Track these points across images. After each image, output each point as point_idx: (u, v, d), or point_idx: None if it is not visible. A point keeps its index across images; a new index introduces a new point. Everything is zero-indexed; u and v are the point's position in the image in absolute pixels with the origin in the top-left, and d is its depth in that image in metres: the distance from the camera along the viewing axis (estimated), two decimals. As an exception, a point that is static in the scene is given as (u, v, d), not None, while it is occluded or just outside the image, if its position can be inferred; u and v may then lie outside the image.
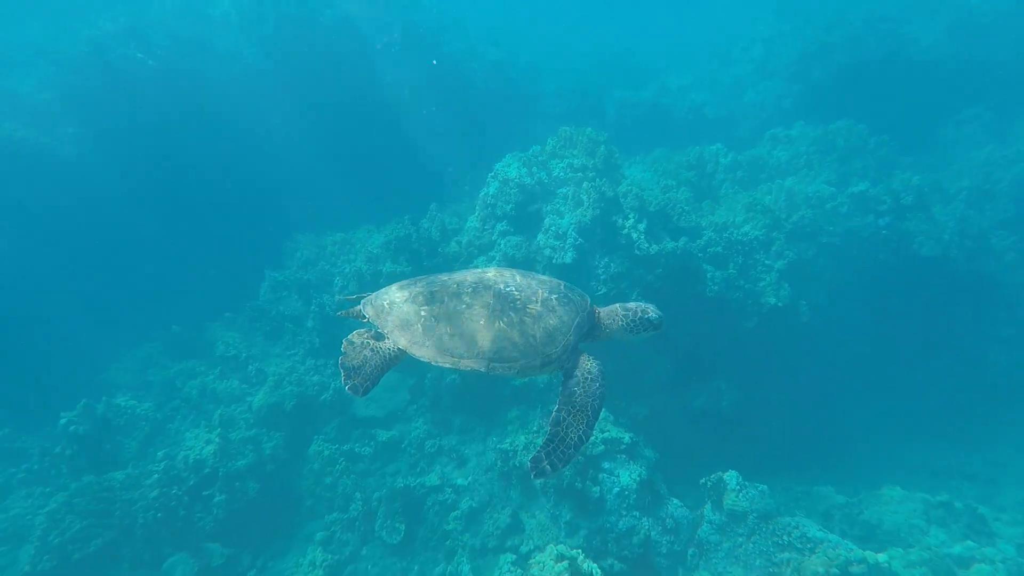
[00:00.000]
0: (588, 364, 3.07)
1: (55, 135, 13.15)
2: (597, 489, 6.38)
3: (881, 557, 5.04)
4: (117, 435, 9.82)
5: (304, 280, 11.81)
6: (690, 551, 6.36)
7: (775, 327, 8.51)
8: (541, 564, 4.78)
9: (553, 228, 7.81)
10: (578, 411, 2.93)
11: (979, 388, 11.12)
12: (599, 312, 3.28)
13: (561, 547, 4.99)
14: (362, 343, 3.20)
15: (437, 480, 7.84)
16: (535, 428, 7.47)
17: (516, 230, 8.43)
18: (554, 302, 3.06)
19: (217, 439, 7.87)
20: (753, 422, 8.42)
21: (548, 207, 8.22)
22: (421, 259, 9.70)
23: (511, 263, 8.06)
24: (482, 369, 2.97)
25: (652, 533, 6.35)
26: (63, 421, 9.32)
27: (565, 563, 4.68)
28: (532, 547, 6.60)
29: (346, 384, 3.03)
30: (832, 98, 16.15)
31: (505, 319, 2.97)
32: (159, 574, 7.24)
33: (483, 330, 2.96)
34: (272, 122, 16.02)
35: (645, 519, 6.39)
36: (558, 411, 2.94)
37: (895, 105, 16.42)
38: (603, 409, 7.05)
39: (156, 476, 7.52)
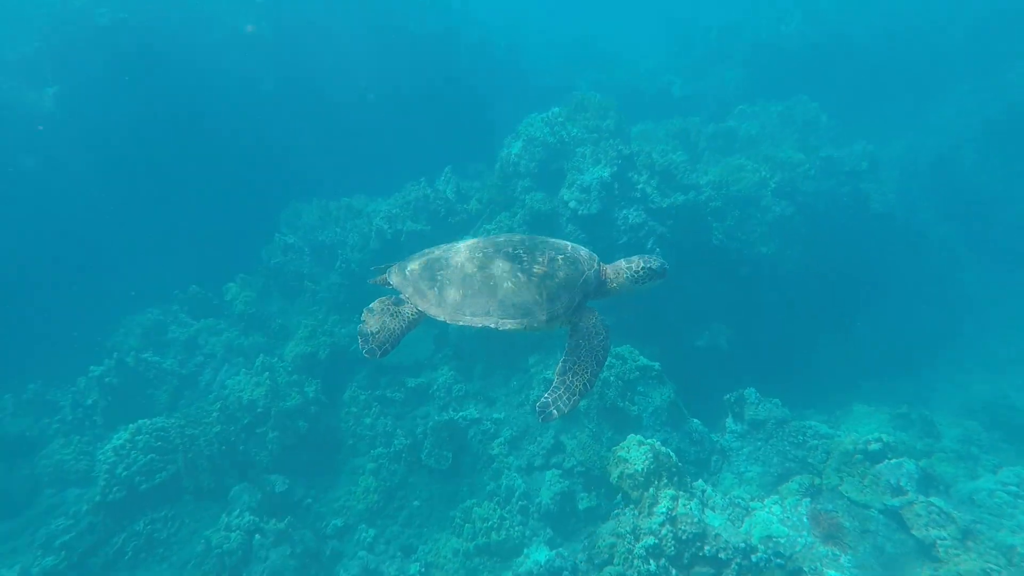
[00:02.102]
0: (593, 320, 3.15)
1: (38, 92, 12.31)
2: (635, 408, 6.80)
3: (885, 438, 5.70)
4: (148, 388, 9.63)
5: (318, 241, 11.65)
6: (713, 458, 6.91)
7: (763, 274, 9.12)
8: (627, 448, 5.15)
9: (577, 183, 8.07)
10: (582, 362, 3.01)
11: (913, 329, 12.23)
12: (605, 269, 3.34)
13: (639, 436, 5.37)
14: (382, 309, 3.33)
15: (477, 414, 8.09)
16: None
17: (538, 186, 8.63)
18: (560, 262, 3.13)
19: (267, 381, 7.85)
20: (745, 358, 9.04)
21: (569, 164, 8.45)
22: (440, 218, 9.79)
23: (536, 217, 8.29)
24: (492, 326, 3.06)
25: (681, 444, 6.83)
26: (97, 372, 9.09)
27: (647, 447, 5.08)
28: (575, 463, 6.99)
29: (363, 348, 3.17)
30: (782, 79, 16.89)
31: (512, 280, 3.06)
32: (225, 501, 7.29)
33: (492, 291, 3.06)
34: (264, 89, 15.41)
35: (675, 432, 6.87)
36: (564, 362, 3.05)
37: (834, 87, 17.31)
38: (630, 344, 7.48)
39: (215, 415, 7.49)
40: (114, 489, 6.99)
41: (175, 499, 7.52)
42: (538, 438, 7.56)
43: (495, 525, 6.70)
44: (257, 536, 6.95)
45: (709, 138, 12.02)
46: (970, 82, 16.42)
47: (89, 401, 9.10)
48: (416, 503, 7.75)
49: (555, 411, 2.89)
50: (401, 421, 8.74)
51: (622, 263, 3.33)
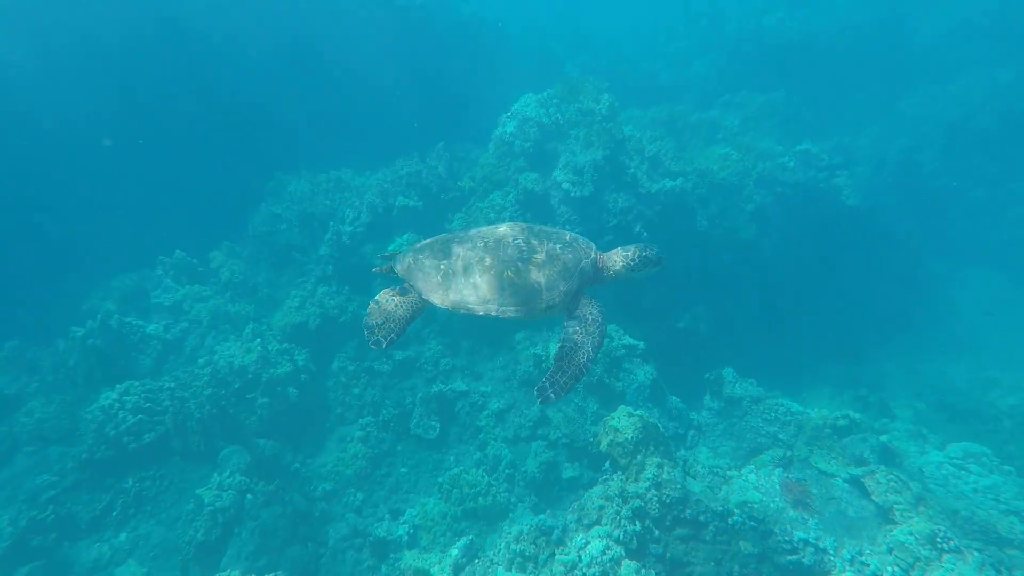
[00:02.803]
0: (591, 307, 3.22)
1: (11, 49, 11.73)
2: (620, 384, 7.05)
3: (852, 415, 6.09)
4: (132, 351, 9.49)
5: (306, 213, 11.49)
6: (690, 433, 7.23)
7: (743, 260, 9.43)
8: (617, 419, 5.38)
9: (571, 165, 8.17)
10: (578, 348, 3.08)
11: (873, 317, 12.83)
12: (602, 258, 3.40)
13: (629, 408, 5.60)
14: (386, 300, 3.43)
15: (465, 386, 8.24)
16: (557, 342, 7.95)
17: (532, 166, 8.71)
18: (558, 252, 3.20)
19: (259, 348, 7.84)
20: (723, 340, 9.39)
21: (562, 146, 8.53)
22: (433, 194, 9.78)
23: (529, 196, 8.38)
24: (493, 314, 3.16)
25: (661, 420, 7.12)
26: (80, 334, 8.88)
27: (636, 418, 5.32)
28: (560, 435, 7.23)
29: (369, 340, 3.27)
30: (764, 71, 17.17)
31: (512, 269, 3.13)
32: (214, 463, 7.32)
33: (493, 280, 3.13)
34: (250, 58, 14.93)
35: (655, 408, 7.16)
36: (561, 347, 3.12)
37: (811, 80, 17.68)
38: (616, 325, 7.70)
39: (206, 379, 7.47)
40: (102, 447, 6.96)
41: (163, 460, 7.51)
42: (525, 411, 7.76)
43: (482, 491, 6.91)
44: (249, 496, 7.03)
45: (694, 127, 12.23)
46: (934, 84, 16.97)
47: (71, 362, 8.91)
48: (403, 470, 7.92)
49: (552, 394, 2.98)
50: (388, 392, 8.84)
51: (619, 252, 3.40)
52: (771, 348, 9.93)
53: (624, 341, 7.33)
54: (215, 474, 7.20)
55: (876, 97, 17.75)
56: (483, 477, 6.99)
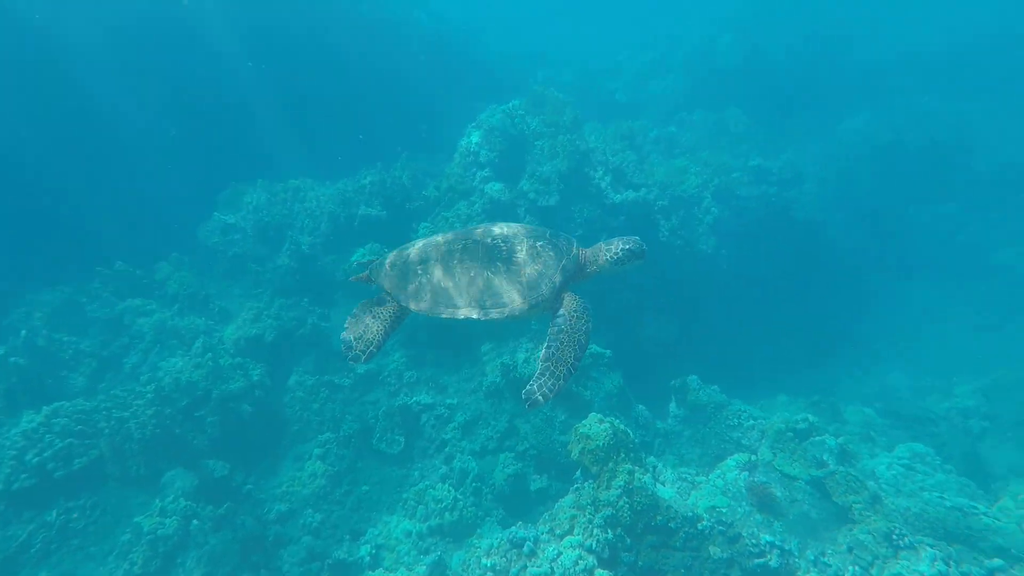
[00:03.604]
0: (574, 303, 3.11)
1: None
2: (588, 393, 7.04)
3: (811, 419, 6.29)
4: (62, 370, 8.83)
5: (263, 223, 11.07)
6: (657, 441, 7.28)
7: (703, 270, 9.68)
8: (588, 426, 5.33)
9: (537, 175, 8.21)
10: (566, 347, 2.98)
11: (823, 327, 13.40)
12: (584, 253, 3.34)
13: (599, 415, 5.57)
14: (364, 312, 3.30)
15: (430, 399, 8.05)
16: (524, 351, 7.89)
17: (497, 176, 8.70)
18: (538, 249, 3.11)
19: (209, 363, 7.42)
20: (686, 349, 9.57)
21: (528, 157, 8.57)
22: (396, 204, 9.63)
23: (496, 206, 8.35)
24: (475, 316, 3.04)
25: (628, 428, 7.13)
26: (0, 352, 8.17)
27: (607, 425, 5.29)
28: (528, 445, 7.13)
29: (347, 356, 3.14)
30: (717, 90, 17.86)
31: (492, 268, 3.04)
32: (157, 488, 6.85)
33: (474, 281, 3.04)
34: (201, 64, 14.40)
35: (622, 417, 7.16)
36: (548, 347, 3.00)
37: (760, 98, 18.51)
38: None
39: (149, 396, 6.98)
40: (21, 477, 6.34)
41: (96, 487, 6.96)
42: (492, 422, 7.62)
43: (449, 506, 6.72)
44: (195, 521, 6.61)
45: (653, 141, 12.57)
46: (868, 108, 18.08)
47: (-11, 382, 8.20)
48: (365, 488, 7.62)
49: (540, 397, 2.86)
50: (349, 407, 8.53)
51: (602, 246, 3.35)
52: (730, 356, 10.18)
53: (591, 349, 7.34)
54: (157, 499, 6.72)
55: (819, 118, 18.72)
56: (449, 492, 6.80)
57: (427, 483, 7.05)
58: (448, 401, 8.20)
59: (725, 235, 10.18)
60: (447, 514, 6.66)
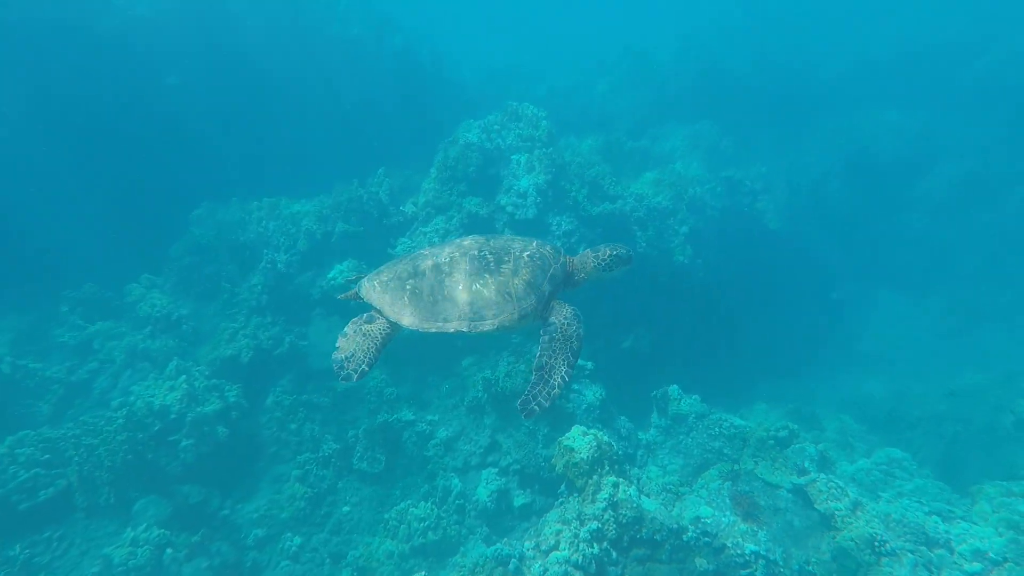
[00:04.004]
0: (565, 311, 3.14)
1: None
2: (571, 406, 7.01)
3: (791, 426, 6.34)
4: (27, 398, 8.52)
5: (237, 242, 10.88)
6: (639, 452, 7.27)
7: (680, 281, 9.78)
8: (572, 438, 5.30)
9: (515, 188, 8.25)
10: (559, 354, 3.01)
11: (798, 335, 13.64)
12: (572, 261, 3.39)
13: (583, 427, 5.54)
14: (354, 331, 3.28)
15: (411, 416, 7.93)
16: (506, 364, 7.84)
17: (474, 191, 8.71)
18: (526, 259, 3.14)
19: (184, 386, 7.21)
20: (665, 359, 9.62)
21: (505, 171, 8.61)
22: (374, 219, 9.57)
23: (473, 220, 8.35)
24: (465, 329, 3.03)
25: (611, 440, 7.11)
26: (-34, 382, 7.87)
27: (591, 437, 5.26)
28: (511, 460, 7.06)
29: (339, 375, 3.14)
30: (686, 104, 18.20)
31: (481, 281, 3.05)
32: (128, 517, 6.60)
33: (463, 294, 3.03)
34: (169, 82, 14.18)
35: (605, 429, 7.15)
36: (540, 356, 3.02)
37: (730, 111, 18.93)
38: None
39: (120, 422, 6.75)
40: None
41: (63, 518, 6.70)
42: (474, 438, 7.54)
43: (432, 525, 6.60)
44: (169, 550, 6.38)
45: (628, 154, 12.74)
46: (834, 120, 18.64)
47: (-50, 413, 7.87)
48: (346, 508, 7.45)
49: (536, 406, 2.86)
50: (329, 426, 8.37)
51: (589, 253, 3.39)
52: (710, 365, 10.27)
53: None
54: (128, 529, 6.48)
55: (787, 129, 19.23)
56: (432, 510, 6.68)
57: (409, 502, 6.92)
58: (430, 417, 8.10)
59: (701, 245, 10.32)
60: (430, 533, 6.53)
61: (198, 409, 7.21)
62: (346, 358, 3.16)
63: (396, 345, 9.13)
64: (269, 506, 7.33)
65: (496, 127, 9.12)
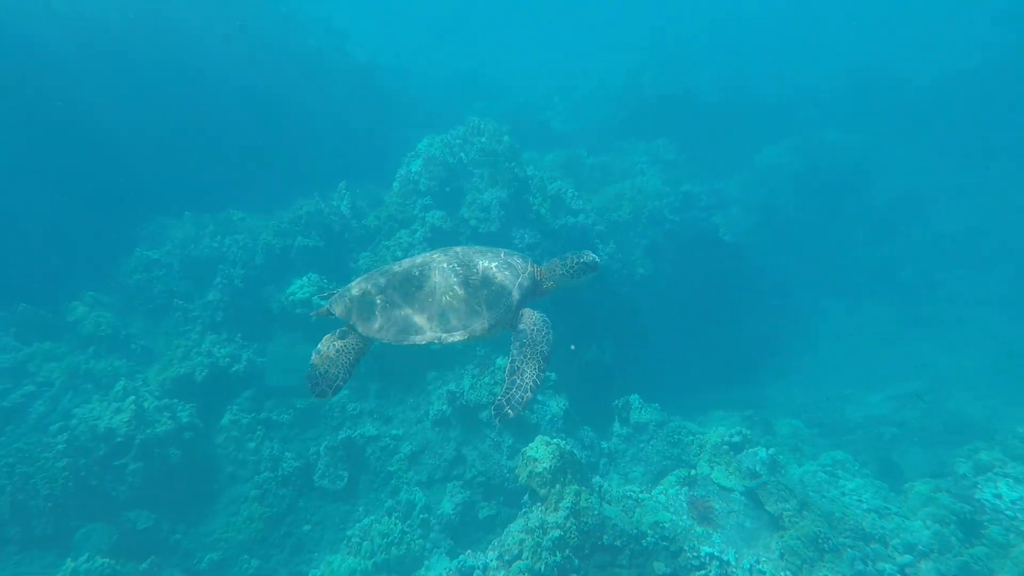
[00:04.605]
0: (534, 318, 3.23)
1: None
2: (534, 417, 7.14)
3: (744, 432, 6.65)
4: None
5: (190, 257, 10.60)
6: (602, 460, 7.45)
7: (641, 293, 10.11)
8: (535, 448, 5.40)
9: (477, 202, 8.39)
10: (530, 359, 3.08)
11: (753, 344, 14.20)
12: (540, 270, 3.48)
13: (546, 437, 5.66)
14: (327, 347, 3.34)
15: (375, 431, 7.90)
16: (470, 376, 7.91)
17: (438, 204, 8.81)
18: (493, 270, 3.23)
19: (132, 407, 6.97)
20: (627, 369, 9.88)
21: (468, 185, 8.75)
22: (335, 233, 9.53)
23: (438, 233, 8.44)
24: (437, 342, 3.13)
25: (574, 449, 7.27)
26: None
27: (553, 447, 5.38)
28: (476, 472, 7.12)
29: (313, 392, 3.20)
30: (647, 121, 18.87)
31: (451, 293, 3.13)
32: (68, 547, 6.31)
33: (434, 306, 3.12)
34: (118, 91, 13.73)
35: (569, 438, 7.30)
36: (512, 362, 3.10)
37: (686, 131, 19.71)
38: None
39: (61, 447, 6.47)
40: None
41: (-7, 553, 6.37)
42: (439, 451, 7.56)
43: (395, 540, 6.58)
44: (116, 580, 6.13)
45: (589, 169, 13.11)
46: (781, 139, 19.66)
47: None
48: (306, 527, 7.33)
49: (510, 410, 2.95)
50: (289, 444, 8.23)
51: (556, 261, 3.53)
52: (669, 374, 10.60)
53: (535, 374, 7.47)
54: (68, 560, 6.18)
55: (739, 147, 20.14)
56: (396, 525, 6.67)
57: (373, 518, 6.88)
58: (393, 432, 8.07)
59: (660, 258, 10.70)
60: (393, 548, 6.51)
61: (148, 431, 6.98)
62: (321, 374, 3.22)
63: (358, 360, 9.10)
64: (225, 528, 7.14)
65: (459, 141, 9.27)
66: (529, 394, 3.02)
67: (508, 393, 3.01)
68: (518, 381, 3.04)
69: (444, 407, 7.50)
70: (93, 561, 6.13)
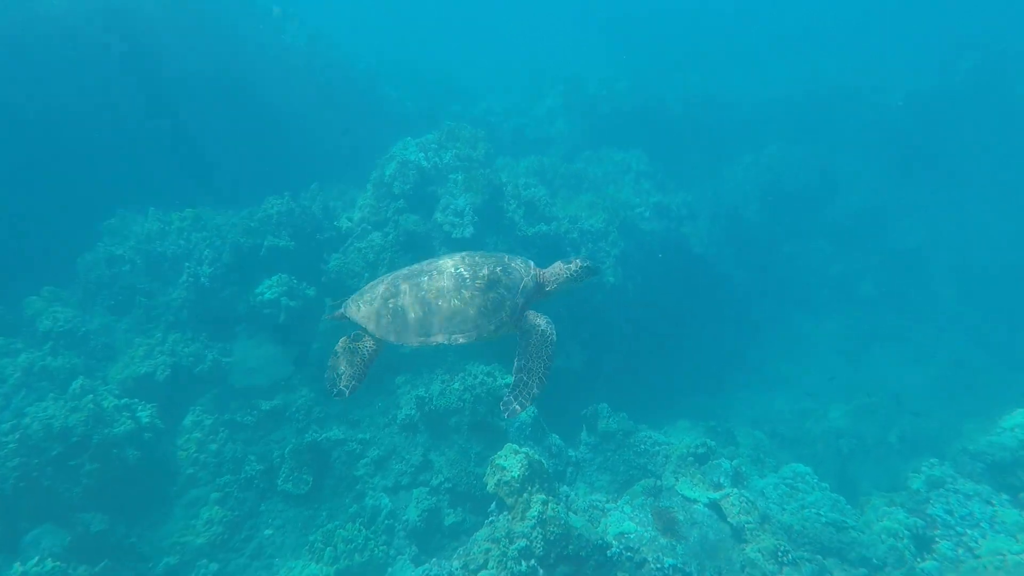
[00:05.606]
0: (537, 319, 3.42)
1: None
2: (504, 423, 7.11)
3: (709, 443, 6.74)
4: None
5: (155, 253, 10.23)
6: (569, 469, 7.46)
7: (612, 302, 10.17)
8: (504, 456, 5.37)
9: (451, 207, 8.33)
10: (535, 360, 3.29)
11: (718, 355, 14.44)
12: (543, 273, 3.63)
13: (514, 445, 5.63)
14: (343, 349, 3.58)
15: (341, 434, 7.75)
16: (440, 382, 7.83)
17: (412, 208, 8.72)
18: (499, 274, 3.39)
19: (90, 406, 6.70)
20: (596, 378, 9.94)
21: (442, 189, 8.69)
22: (307, 234, 9.34)
23: (410, 237, 8.35)
24: (445, 343, 3.32)
25: (542, 457, 7.26)
26: None
27: (521, 455, 5.35)
28: (443, 479, 7.05)
29: (332, 391, 3.43)
30: (619, 131, 19.00)
31: (458, 297, 3.30)
32: (18, 550, 6.04)
33: (442, 309, 3.30)
34: (80, 82, 13.12)
35: (537, 447, 7.30)
36: (519, 360, 3.32)
37: (658, 140, 19.91)
38: (497, 363, 7.81)
39: (12, 447, 6.18)
40: None
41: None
42: (406, 457, 7.47)
43: (359, 546, 6.46)
44: (66, 586, 5.87)
45: (563, 177, 13.16)
46: (750, 152, 20.08)
47: None
48: (268, 532, 7.16)
49: (518, 406, 3.19)
50: (252, 446, 8.02)
51: (560, 265, 3.68)
52: (637, 383, 10.69)
53: (506, 380, 7.44)
54: (16, 564, 5.90)
55: (708, 159, 20.51)
56: (360, 531, 6.55)
57: (336, 523, 6.75)
58: (360, 436, 7.95)
59: (631, 267, 10.79)
60: (356, 555, 6.40)
61: (105, 431, 6.71)
62: (338, 375, 3.45)
63: (322, 363, 8.94)
64: (182, 532, 6.92)
65: (434, 145, 9.19)
66: (536, 390, 3.25)
67: (516, 391, 3.25)
68: (526, 379, 3.26)
69: (412, 412, 7.42)
70: (43, 564, 5.87)
